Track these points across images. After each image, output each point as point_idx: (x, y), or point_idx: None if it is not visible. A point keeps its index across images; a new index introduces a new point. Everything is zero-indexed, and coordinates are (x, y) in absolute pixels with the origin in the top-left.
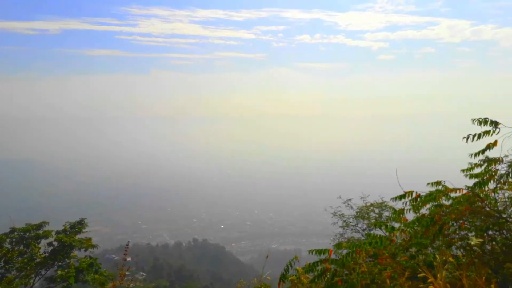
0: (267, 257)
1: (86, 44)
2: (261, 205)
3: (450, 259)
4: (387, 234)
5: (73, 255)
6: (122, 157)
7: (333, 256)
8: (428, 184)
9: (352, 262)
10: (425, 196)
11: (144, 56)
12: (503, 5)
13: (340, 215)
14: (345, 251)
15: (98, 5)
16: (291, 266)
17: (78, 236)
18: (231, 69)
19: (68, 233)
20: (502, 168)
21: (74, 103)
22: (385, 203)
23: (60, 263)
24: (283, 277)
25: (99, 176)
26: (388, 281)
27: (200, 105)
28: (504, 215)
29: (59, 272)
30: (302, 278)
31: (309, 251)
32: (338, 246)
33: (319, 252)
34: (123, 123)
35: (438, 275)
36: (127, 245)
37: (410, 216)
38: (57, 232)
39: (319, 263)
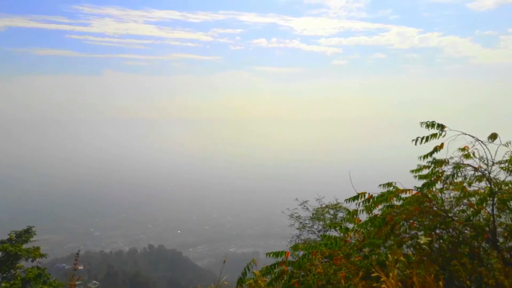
0: (224, 261)
1: (34, 43)
2: (219, 209)
3: (401, 258)
4: (341, 235)
5: (19, 266)
6: (73, 162)
7: (290, 258)
8: (380, 185)
9: (308, 263)
10: (377, 197)
11: (97, 56)
12: (447, 14)
13: (296, 217)
14: (301, 253)
15: (46, 2)
16: (248, 270)
17: (25, 246)
18: (188, 71)
19: (14, 242)
20: (448, 170)
21: (19, 105)
22: (340, 205)
23: (4, 275)
24: (240, 281)
25: (48, 183)
26: (343, 281)
27: (154, 107)
28: (450, 214)
29: (3, 284)
30: (259, 281)
31: (267, 254)
32: (295, 248)
33: (276, 254)
34: (70, 126)
35: (390, 274)
36: (78, 253)
37: (363, 216)
38: (2, 242)
39: (276, 266)
